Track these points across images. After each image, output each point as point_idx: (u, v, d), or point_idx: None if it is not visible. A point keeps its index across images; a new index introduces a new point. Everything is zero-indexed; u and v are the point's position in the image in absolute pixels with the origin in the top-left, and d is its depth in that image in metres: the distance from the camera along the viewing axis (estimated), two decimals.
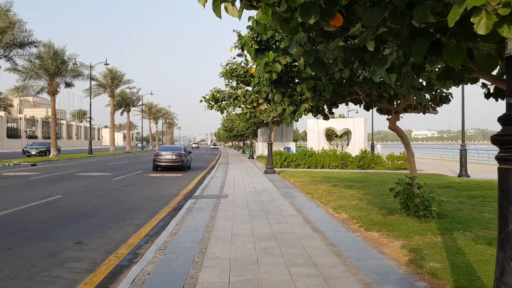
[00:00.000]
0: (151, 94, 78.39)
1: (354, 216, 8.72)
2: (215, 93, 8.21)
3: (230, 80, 8.38)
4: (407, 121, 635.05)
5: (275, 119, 7.58)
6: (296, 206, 10.28)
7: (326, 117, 7.76)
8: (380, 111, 8.18)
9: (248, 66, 8.23)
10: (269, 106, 7.99)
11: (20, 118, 79.76)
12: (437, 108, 7.36)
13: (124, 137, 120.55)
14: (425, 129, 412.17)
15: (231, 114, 9.09)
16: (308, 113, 7.12)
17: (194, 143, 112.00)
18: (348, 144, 61.95)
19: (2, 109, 79.32)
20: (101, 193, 14.01)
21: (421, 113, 7.78)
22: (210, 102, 7.99)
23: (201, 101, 8.05)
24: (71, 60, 38.93)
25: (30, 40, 29.07)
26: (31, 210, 10.37)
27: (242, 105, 8.01)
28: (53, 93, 38.47)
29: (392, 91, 6.23)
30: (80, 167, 27.69)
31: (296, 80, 7.01)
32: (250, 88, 7.90)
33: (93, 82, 56.24)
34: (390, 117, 7.42)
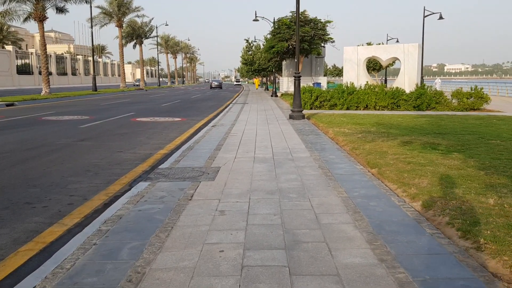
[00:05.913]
0: (166, 25, 71.42)
1: None
2: None
3: None
4: (438, 54, 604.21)
5: None
6: (363, 218, 4.36)
7: None
8: None
9: None
10: None
11: (31, 53, 74.33)
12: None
13: (147, 73, 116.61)
14: (458, 63, 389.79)
15: None
16: None
17: (236, 81, 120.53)
18: (383, 79, 54.54)
19: (10, 43, 74.01)
20: (29, 154, 8.57)
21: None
22: None
23: None
24: None
25: None
26: None
27: None
28: (41, 19, 32.59)
29: None
30: (62, 107, 22.41)
31: None
32: None
33: (98, 10, 49.93)
34: None
